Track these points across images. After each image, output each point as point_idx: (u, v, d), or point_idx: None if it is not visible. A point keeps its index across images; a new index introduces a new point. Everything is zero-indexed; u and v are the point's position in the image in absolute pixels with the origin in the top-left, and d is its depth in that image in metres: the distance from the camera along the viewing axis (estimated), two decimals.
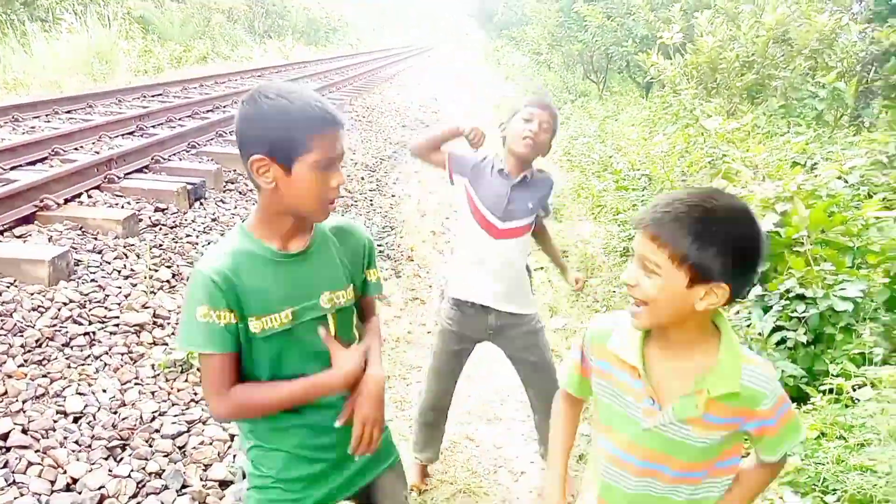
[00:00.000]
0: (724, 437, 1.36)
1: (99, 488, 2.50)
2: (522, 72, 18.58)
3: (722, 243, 1.22)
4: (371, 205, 7.04)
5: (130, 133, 7.76)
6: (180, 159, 6.76)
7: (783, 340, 3.25)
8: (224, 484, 2.72)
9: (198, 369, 3.36)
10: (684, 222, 1.23)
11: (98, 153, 6.25)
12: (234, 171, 6.76)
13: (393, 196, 7.65)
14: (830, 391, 2.76)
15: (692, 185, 4.60)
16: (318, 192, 1.42)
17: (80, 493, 2.48)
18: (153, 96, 10.89)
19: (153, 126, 8.25)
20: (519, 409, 3.54)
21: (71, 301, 3.58)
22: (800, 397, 2.97)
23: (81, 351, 3.28)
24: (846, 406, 2.75)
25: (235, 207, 5.84)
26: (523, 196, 2.44)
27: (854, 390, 2.70)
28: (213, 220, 5.36)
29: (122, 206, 5.01)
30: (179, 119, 8.92)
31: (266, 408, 1.50)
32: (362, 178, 8.00)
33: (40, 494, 2.43)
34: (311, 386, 1.50)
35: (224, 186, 6.27)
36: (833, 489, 2.46)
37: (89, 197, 5.11)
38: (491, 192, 2.45)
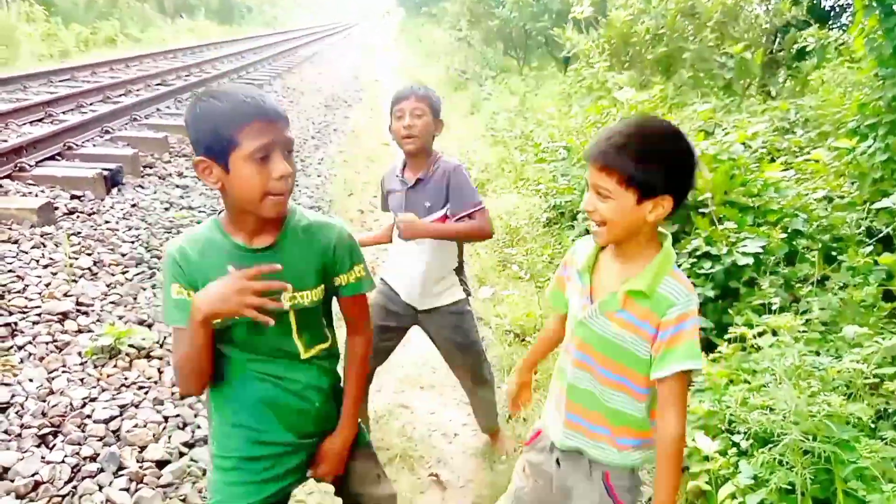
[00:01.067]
0: (635, 344, 1.51)
1: (32, 475, 2.49)
2: (443, 49, 18.60)
3: (660, 161, 1.41)
4: (297, 185, 7.00)
5: (39, 120, 7.46)
6: (94, 145, 6.56)
7: None
8: (161, 464, 2.74)
9: (126, 354, 3.35)
10: (625, 149, 1.41)
11: (6, 141, 6.01)
12: (152, 155, 6.62)
13: (319, 176, 7.62)
14: (734, 340, 2.98)
15: None
16: (259, 185, 1.40)
17: (12, 481, 2.46)
18: (60, 81, 10.46)
19: (63, 112, 7.95)
20: (450, 375, 3.65)
21: None
22: (709, 348, 3.19)
23: (3, 342, 3.21)
24: (750, 353, 2.97)
25: (155, 192, 5.73)
26: (418, 198, 2.48)
27: (755, 338, 2.92)
28: (133, 205, 5.26)
29: (36, 195, 4.86)
30: (91, 104, 8.62)
31: (190, 355, 1.48)
32: None
33: None
34: (197, 305, 1.45)
35: (142, 171, 6.13)
36: (739, 430, 2.68)
37: (0, 187, 4.93)
38: (395, 198, 2.57)
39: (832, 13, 10.56)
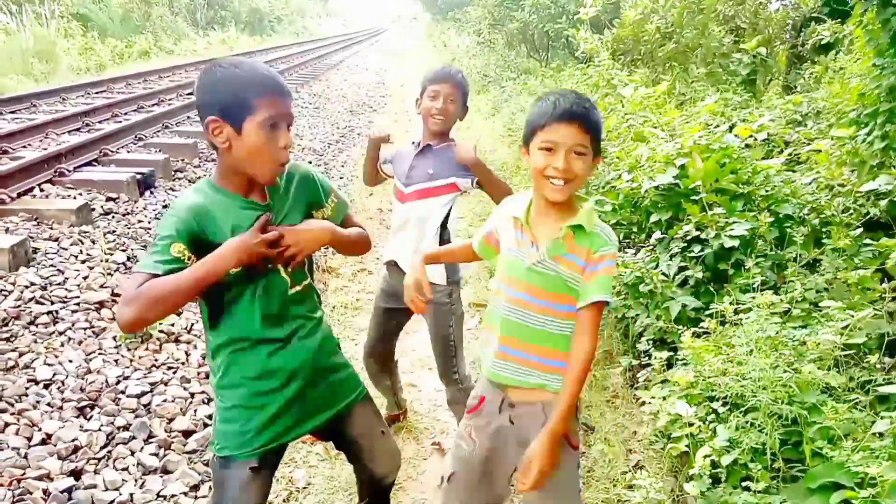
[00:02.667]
0: (573, 276, 1.74)
1: (72, 440, 2.79)
2: (466, 52, 18.85)
3: (601, 123, 1.72)
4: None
5: (77, 129, 7.88)
6: (128, 151, 6.94)
7: (686, 281, 3.65)
8: (187, 434, 3.02)
9: (157, 339, 3.64)
10: (594, 112, 1.68)
11: (46, 149, 6.40)
12: (182, 160, 6.97)
13: (341, 178, 7.92)
14: (715, 315, 3.16)
15: (608, 148, 4.98)
16: (267, 150, 1.60)
17: (55, 445, 2.76)
18: (97, 93, 10.94)
19: (99, 122, 8.37)
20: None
21: (32, 284, 3.82)
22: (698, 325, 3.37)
23: (46, 328, 3.53)
24: (732, 328, 3.15)
25: None
26: (424, 163, 2.70)
27: (735, 314, 3.10)
28: (164, 206, 5.58)
29: (75, 198, 5.21)
30: (125, 113, 9.05)
31: (176, 294, 1.54)
32: (310, 163, 8.25)
33: (19, 448, 2.70)
34: (214, 259, 1.58)
35: (173, 175, 6.48)
36: (717, 397, 2.86)
37: (41, 190, 5.30)
38: (401, 163, 2.77)
39: (852, 7, 10.58)
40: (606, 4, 7.86)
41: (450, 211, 2.75)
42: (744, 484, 2.51)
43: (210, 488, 2.71)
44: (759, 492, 2.43)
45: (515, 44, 15.85)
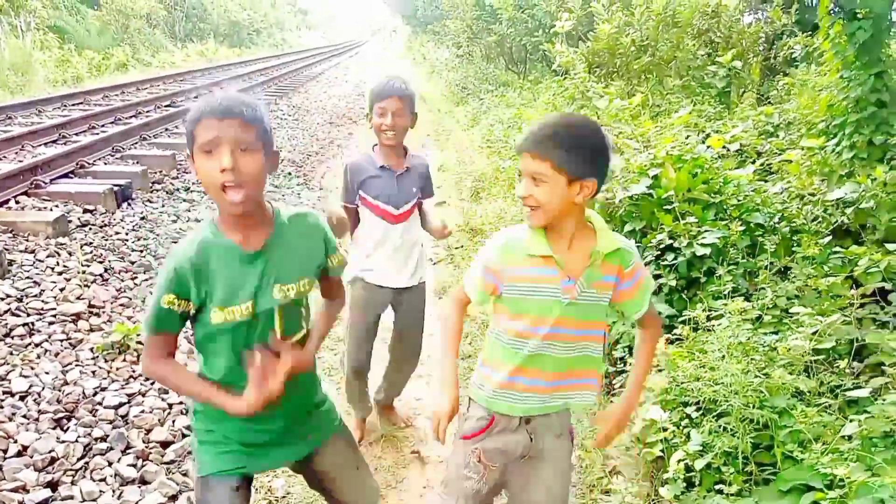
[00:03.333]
0: (605, 299, 1.78)
1: (49, 452, 2.77)
2: (445, 65, 18.98)
3: (583, 148, 1.64)
4: (299, 198, 7.31)
5: (53, 141, 7.84)
6: (105, 163, 6.91)
7: (660, 288, 3.71)
8: (165, 444, 3.01)
9: (134, 350, 3.63)
10: (556, 138, 1.64)
11: (21, 161, 6.35)
12: (160, 172, 6.95)
13: (321, 189, 7.93)
14: (688, 322, 3.22)
15: None
16: (207, 175, 1.52)
17: (31, 457, 2.74)
18: (74, 105, 10.88)
19: (76, 134, 8.33)
20: (435, 366, 3.91)
21: (8, 296, 3.80)
22: (672, 332, 3.43)
23: (22, 339, 3.51)
24: (704, 335, 3.21)
25: (163, 206, 6.05)
26: (408, 183, 2.81)
27: (709, 321, 3.16)
28: (142, 218, 5.57)
29: (51, 210, 5.18)
30: (102, 125, 9.00)
31: (177, 391, 1.67)
32: (289, 174, 8.25)
33: None
34: (215, 399, 1.64)
35: (151, 187, 6.46)
36: (690, 402, 2.91)
37: (17, 203, 5.26)
38: (379, 183, 2.78)
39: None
40: (581, 18, 7.97)
41: None
42: (717, 487, 2.56)
43: (189, 499, 2.71)
44: (732, 495, 2.48)
45: (493, 56, 15.99)
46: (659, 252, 3.70)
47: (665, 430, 2.84)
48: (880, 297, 3.31)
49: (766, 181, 4.76)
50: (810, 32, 8.12)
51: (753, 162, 5.54)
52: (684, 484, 2.65)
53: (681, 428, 2.83)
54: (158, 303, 1.57)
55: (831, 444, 2.47)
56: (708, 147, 4.52)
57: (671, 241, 3.67)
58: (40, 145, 7.54)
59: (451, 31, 17.97)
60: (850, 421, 2.53)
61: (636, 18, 7.36)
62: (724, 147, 5.38)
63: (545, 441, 1.89)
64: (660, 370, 3.17)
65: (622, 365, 3.50)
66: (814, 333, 2.96)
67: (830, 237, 3.83)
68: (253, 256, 1.62)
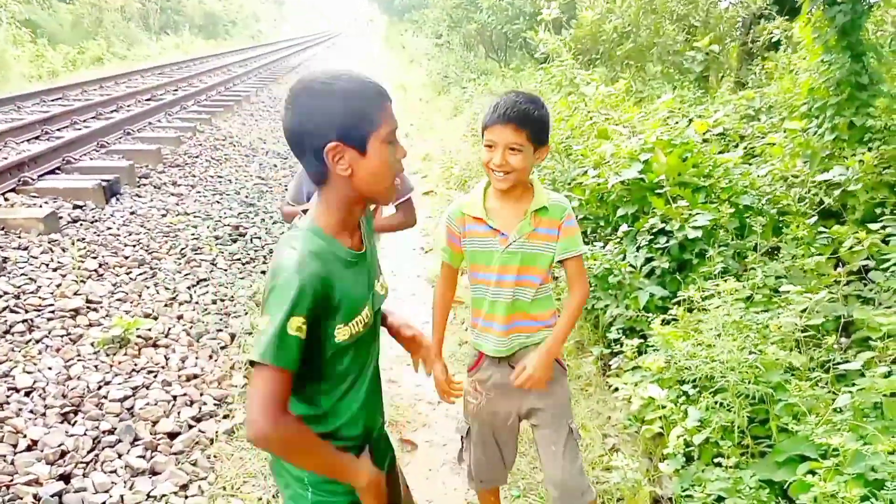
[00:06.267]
0: (546, 247, 2.03)
1: (58, 446, 2.80)
2: (426, 54, 18.95)
3: (544, 120, 1.96)
4: (286, 190, 7.30)
5: (36, 137, 7.76)
6: (91, 159, 6.87)
7: (653, 271, 3.79)
8: (172, 435, 3.05)
9: (135, 344, 3.65)
10: (529, 112, 1.92)
11: (6, 158, 6.30)
12: (147, 166, 6.93)
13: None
14: (682, 302, 3.31)
15: (573, 146, 5.12)
16: (391, 166, 1.39)
17: (41, 451, 2.77)
18: (53, 100, 10.75)
19: (58, 129, 8.25)
20: (456, 367, 3.93)
21: (5, 293, 3.80)
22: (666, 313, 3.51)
23: (22, 336, 3.52)
24: (698, 314, 3.29)
25: (152, 200, 6.04)
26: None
27: (702, 301, 3.24)
28: (132, 213, 5.56)
29: (40, 206, 5.16)
30: (84, 120, 8.92)
31: (303, 463, 1.41)
32: (275, 166, 8.25)
33: (5, 455, 2.71)
34: (339, 471, 1.43)
35: (138, 182, 6.43)
36: (687, 380, 3.00)
37: (6, 200, 5.23)
38: None
39: (800, 5, 10.93)
40: (562, 5, 8.02)
41: None
42: (715, 461, 2.64)
43: (199, 488, 2.75)
44: (731, 467, 2.56)
45: (473, 45, 15.99)
46: (651, 236, 3.78)
47: (663, 407, 2.93)
48: (864, 274, 3.42)
49: (749, 164, 4.85)
50: (788, 17, 8.22)
51: (737, 146, 5.64)
52: (683, 459, 2.74)
53: (678, 405, 2.91)
54: (284, 329, 1.26)
55: (824, 416, 2.56)
56: (695, 132, 4.59)
57: (663, 225, 3.74)
58: (23, 141, 7.47)
59: (431, 19, 17.96)
60: (843, 393, 2.62)
61: (618, 5, 7.42)
62: (707, 131, 5.47)
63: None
64: (655, 350, 3.26)
65: (617, 346, 3.58)
66: (803, 311, 3.06)
67: (816, 218, 3.93)
68: (362, 256, 1.47)
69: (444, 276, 2.24)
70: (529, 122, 1.91)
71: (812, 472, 2.30)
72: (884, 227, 3.50)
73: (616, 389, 3.37)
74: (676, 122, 5.01)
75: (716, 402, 2.81)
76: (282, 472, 1.51)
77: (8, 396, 3.05)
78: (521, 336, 2.14)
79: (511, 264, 2.04)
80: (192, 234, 5.35)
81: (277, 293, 1.28)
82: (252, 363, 1.28)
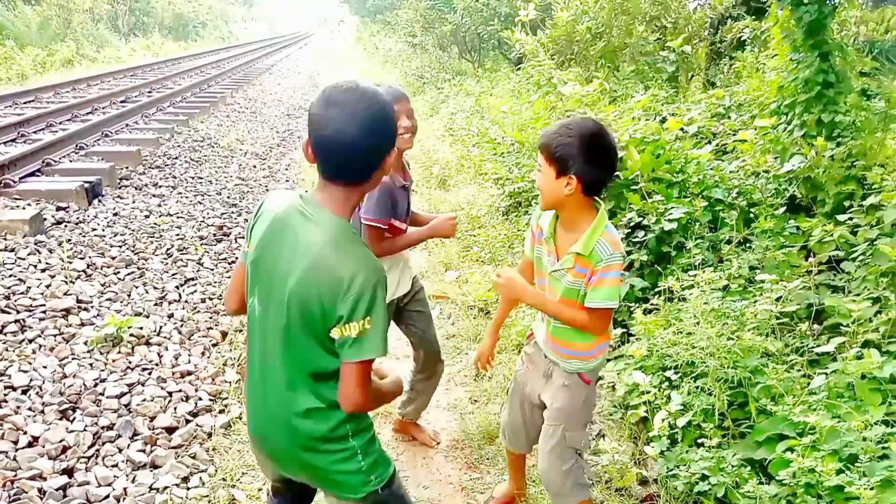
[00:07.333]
0: (580, 286, 2.08)
1: (59, 441, 2.84)
2: (399, 55, 19.02)
3: (570, 147, 1.94)
4: (266, 191, 7.35)
5: (13, 140, 7.69)
6: (71, 161, 6.86)
7: (632, 264, 3.93)
8: (171, 430, 3.11)
9: (128, 342, 3.69)
10: (552, 135, 1.99)
11: None
12: (127, 167, 6.94)
13: (287, 181, 7.98)
14: (661, 292, 3.44)
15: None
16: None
17: (43, 447, 2.81)
18: (25, 103, 10.65)
19: (34, 132, 8.19)
20: (447, 359, 3.94)
21: None
22: (646, 303, 3.65)
23: (15, 336, 3.54)
24: (678, 304, 3.43)
25: (134, 202, 6.05)
26: (403, 196, 2.65)
27: (682, 290, 3.38)
28: (115, 214, 5.58)
29: (24, 208, 5.16)
30: (60, 123, 8.87)
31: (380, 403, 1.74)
32: (254, 167, 8.28)
33: (7, 451, 2.75)
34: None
35: (119, 183, 6.44)
36: (669, 366, 3.13)
37: None
38: (402, 208, 2.63)
39: (768, 4, 11.21)
40: (539, 6, 8.16)
41: None
42: (698, 442, 2.77)
43: (200, 480, 2.82)
44: (713, 447, 2.70)
45: (447, 45, 16.11)
46: (629, 230, 3.92)
47: (647, 392, 3.06)
48: (836, 264, 3.58)
49: (722, 160, 5.02)
50: (755, 16, 8.44)
51: (709, 143, 5.81)
52: (668, 441, 2.87)
53: (661, 390, 3.04)
54: (386, 324, 1.58)
55: (800, 397, 2.71)
56: (668, 130, 4.75)
57: (640, 220, 3.89)
58: (0, 144, 7.41)
59: (404, 20, 18.03)
60: (818, 375, 2.77)
61: (591, 6, 7.58)
62: (681, 129, 5.63)
63: (555, 371, 2.31)
64: (637, 339, 3.39)
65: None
66: (777, 299, 3.21)
67: (784, 209, 4.10)
68: None
69: (521, 263, 2.44)
70: (548, 145, 1.97)
71: (790, 450, 2.44)
72: (851, 219, 3.67)
73: (600, 378, 3.49)
74: (647, 121, 5.15)
75: (697, 387, 2.95)
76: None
77: (6, 395, 3.08)
78: (555, 353, 2.27)
79: (556, 289, 2.15)
80: (177, 235, 5.38)
81: (378, 293, 1.48)
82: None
